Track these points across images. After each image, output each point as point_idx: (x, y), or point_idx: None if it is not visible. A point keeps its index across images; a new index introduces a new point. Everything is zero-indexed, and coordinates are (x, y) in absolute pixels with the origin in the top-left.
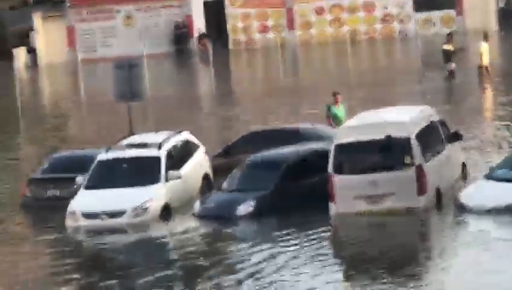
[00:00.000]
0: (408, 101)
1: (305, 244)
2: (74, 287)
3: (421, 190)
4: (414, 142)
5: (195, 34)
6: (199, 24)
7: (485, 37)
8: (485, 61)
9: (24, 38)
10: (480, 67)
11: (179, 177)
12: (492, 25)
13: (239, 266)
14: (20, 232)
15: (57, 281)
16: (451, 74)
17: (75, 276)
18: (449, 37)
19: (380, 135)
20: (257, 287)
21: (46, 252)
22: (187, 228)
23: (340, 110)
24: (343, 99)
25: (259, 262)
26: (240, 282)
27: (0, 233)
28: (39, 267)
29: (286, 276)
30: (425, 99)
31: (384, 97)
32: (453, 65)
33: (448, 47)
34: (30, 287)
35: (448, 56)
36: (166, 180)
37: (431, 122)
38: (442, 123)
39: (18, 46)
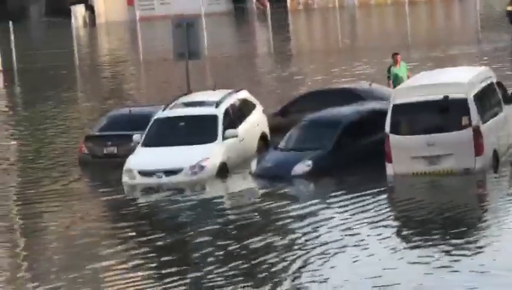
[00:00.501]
0: (466, 62)
1: (361, 204)
2: (130, 246)
3: (478, 151)
4: (471, 103)
5: None
6: None
7: None
8: None
9: None
10: None
11: (236, 136)
12: None
13: (293, 225)
14: (78, 188)
15: (112, 240)
16: None
17: (131, 234)
18: None
19: (437, 96)
20: (311, 247)
21: (103, 211)
22: (244, 186)
23: (401, 70)
24: (392, 59)
25: (314, 222)
26: (293, 241)
27: (57, 189)
28: (95, 227)
29: (340, 236)
30: (483, 61)
31: (442, 58)
32: None
33: None
34: (85, 246)
35: None
36: (224, 138)
37: (489, 83)
38: (500, 85)
39: (76, 4)
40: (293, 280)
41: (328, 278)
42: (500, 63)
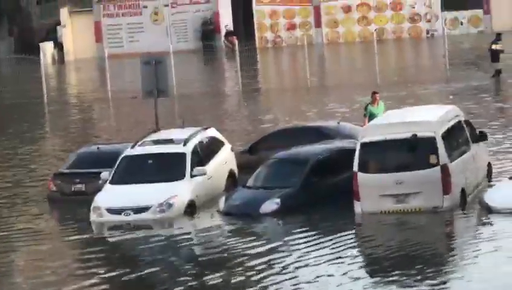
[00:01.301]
0: (435, 100)
1: (329, 242)
2: (96, 282)
3: (446, 189)
4: (440, 142)
5: (222, 31)
6: (226, 21)
7: (498, 37)
8: None
9: (51, 33)
10: None
11: (204, 174)
12: None
13: (259, 263)
14: (46, 227)
15: (79, 276)
16: (497, 73)
17: (98, 271)
18: (497, 37)
19: (405, 134)
20: (277, 285)
21: (70, 248)
22: (211, 224)
23: (378, 109)
24: (370, 98)
25: (281, 259)
26: (259, 279)
27: (26, 228)
28: (62, 265)
29: (308, 274)
30: (451, 99)
31: (411, 96)
32: (500, 65)
33: (496, 46)
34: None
35: (496, 56)
36: (192, 176)
37: (457, 122)
38: (468, 123)
39: (45, 41)
40: None
41: None
42: (468, 101)
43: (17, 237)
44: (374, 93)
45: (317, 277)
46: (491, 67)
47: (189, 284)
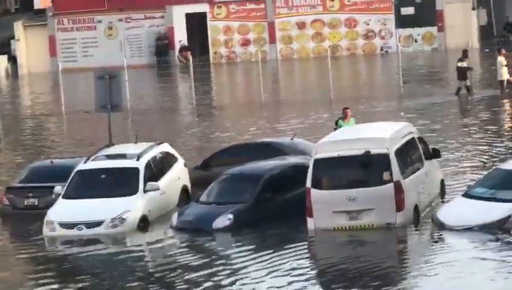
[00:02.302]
0: (388, 117)
1: (282, 259)
2: None
3: (399, 206)
4: (393, 158)
5: (177, 46)
6: (181, 36)
7: (464, 55)
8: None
9: (5, 46)
10: (509, 82)
11: (158, 189)
12: (474, 42)
13: (211, 279)
14: None
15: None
16: (468, 90)
17: (51, 287)
18: (464, 54)
19: (358, 150)
20: None
21: (22, 263)
22: (164, 239)
23: (349, 124)
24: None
25: (233, 276)
26: None
27: None
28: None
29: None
30: (403, 116)
31: (364, 113)
32: (468, 82)
33: (463, 64)
34: None
35: (463, 73)
36: (145, 191)
37: (410, 138)
38: (422, 140)
39: None
40: None
41: None
42: (422, 118)
43: None
44: (345, 109)
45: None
46: (460, 85)
47: None
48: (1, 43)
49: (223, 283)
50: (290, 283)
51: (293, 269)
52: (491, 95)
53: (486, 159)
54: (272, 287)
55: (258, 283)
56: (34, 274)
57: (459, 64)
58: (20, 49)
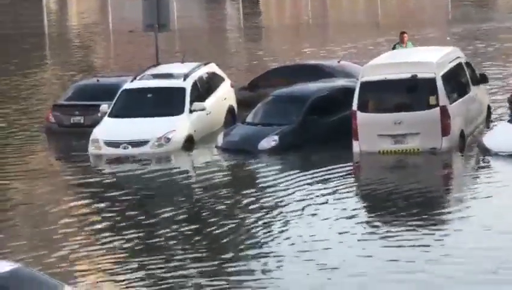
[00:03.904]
0: (436, 42)
1: (325, 181)
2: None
3: (445, 131)
4: (440, 83)
5: None
6: None
7: None
8: None
9: None
10: None
11: (203, 109)
12: None
13: (255, 200)
14: (44, 158)
15: (77, 210)
16: None
17: (96, 206)
18: None
19: (405, 74)
20: (273, 223)
21: (67, 181)
22: (209, 160)
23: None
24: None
25: (278, 197)
26: (257, 218)
27: (23, 159)
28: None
29: (304, 211)
30: (452, 41)
31: (412, 38)
32: None
33: None
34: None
35: None
36: (191, 111)
37: (458, 63)
38: (469, 65)
39: None
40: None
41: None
42: (470, 44)
43: (15, 171)
44: (402, 33)
45: (317, 210)
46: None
47: (186, 207)
48: None
49: (267, 205)
50: (331, 204)
51: (335, 191)
52: None
53: None
54: (313, 208)
55: (302, 208)
56: (76, 188)
57: None
58: None
